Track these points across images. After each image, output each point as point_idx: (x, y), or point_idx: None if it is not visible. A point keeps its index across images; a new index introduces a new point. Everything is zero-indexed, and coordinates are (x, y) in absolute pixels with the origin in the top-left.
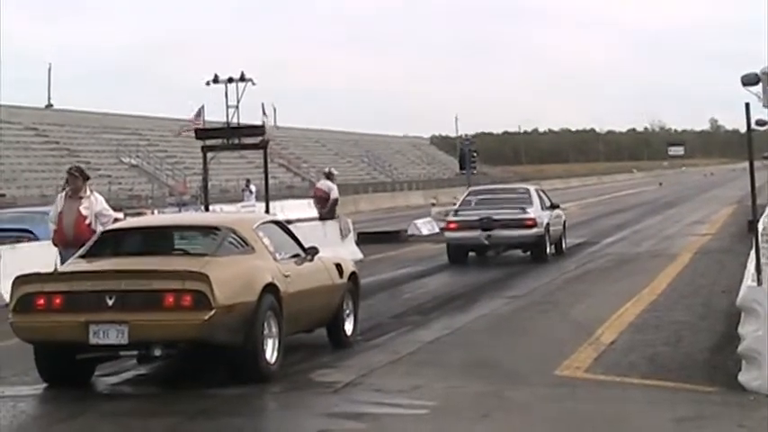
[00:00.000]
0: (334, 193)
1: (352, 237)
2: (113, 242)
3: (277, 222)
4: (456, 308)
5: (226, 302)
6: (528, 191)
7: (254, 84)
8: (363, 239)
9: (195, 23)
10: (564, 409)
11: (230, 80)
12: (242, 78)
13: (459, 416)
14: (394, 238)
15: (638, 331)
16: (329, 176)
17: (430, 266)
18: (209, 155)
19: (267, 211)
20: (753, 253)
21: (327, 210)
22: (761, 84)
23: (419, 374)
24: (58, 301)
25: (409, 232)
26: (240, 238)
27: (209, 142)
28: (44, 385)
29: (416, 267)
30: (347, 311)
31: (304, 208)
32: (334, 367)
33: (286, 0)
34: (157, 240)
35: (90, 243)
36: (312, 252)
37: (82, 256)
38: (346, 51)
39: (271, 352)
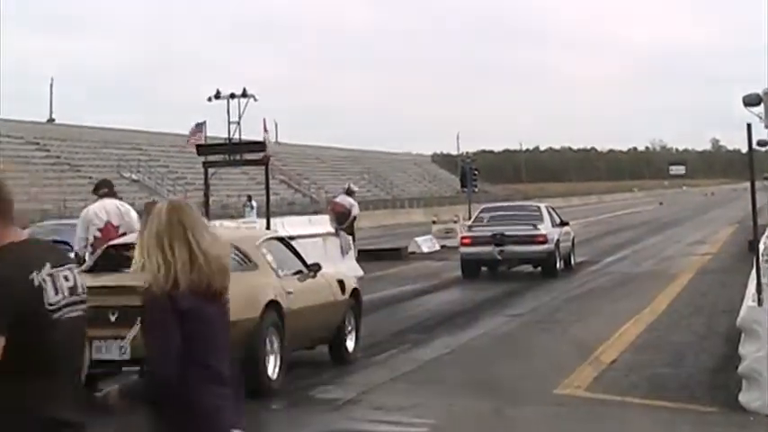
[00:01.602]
0: (356, 210)
1: (352, 254)
2: (117, 257)
3: (280, 239)
4: (456, 326)
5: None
6: (539, 208)
7: (255, 100)
8: (364, 257)
9: (197, 42)
10: (564, 428)
11: (232, 96)
12: (244, 94)
13: None
14: (395, 255)
15: (638, 351)
16: (350, 192)
17: (431, 284)
18: (211, 170)
19: (268, 227)
20: (753, 273)
21: (347, 226)
22: (762, 104)
23: (419, 392)
24: None
25: (410, 249)
26: (243, 255)
27: (211, 158)
28: None
29: (417, 285)
30: (349, 328)
31: (305, 224)
32: (334, 384)
33: (287, 19)
34: None
35: (94, 258)
36: (315, 269)
37: (85, 271)
38: (348, 70)
39: (272, 368)
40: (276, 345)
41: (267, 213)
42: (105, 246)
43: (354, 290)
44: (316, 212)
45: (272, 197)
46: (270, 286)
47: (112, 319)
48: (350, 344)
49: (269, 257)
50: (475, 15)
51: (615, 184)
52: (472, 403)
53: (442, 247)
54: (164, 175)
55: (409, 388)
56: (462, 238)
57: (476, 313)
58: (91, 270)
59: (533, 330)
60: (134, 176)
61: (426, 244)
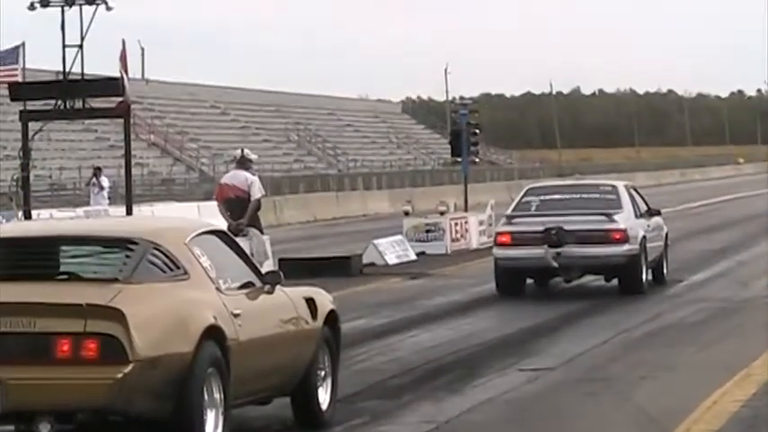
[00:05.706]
0: (256, 190)
1: (270, 264)
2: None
3: (220, 233)
4: (444, 387)
5: (149, 353)
6: (615, 189)
7: (108, 8)
8: (290, 269)
9: None
10: None
11: (70, 3)
12: (89, 1)
13: None
14: (341, 267)
15: (746, 429)
16: (243, 163)
17: (400, 317)
18: (34, 126)
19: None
20: None
21: (248, 217)
22: None
23: None
24: None
25: (366, 260)
26: (167, 257)
27: (33, 105)
28: None
29: (377, 319)
30: (322, 372)
31: (192, 215)
32: None
33: None
34: (43, 258)
35: None
36: (272, 279)
37: None
38: None
39: (212, 430)
40: (217, 394)
41: (128, 197)
42: None
43: (330, 313)
44: (209, 196)
45: (136, 171)
46: (208, 305)
47: None
48: (323, 396)
49: (205, 261)
50: None
51: (707, 152)
52: None
53: (421, 254)
54: None
55: None
56: (498, 234)
57: (476, 365)
58: None
59: (573, 395)
60: None
61: (393, 250)
